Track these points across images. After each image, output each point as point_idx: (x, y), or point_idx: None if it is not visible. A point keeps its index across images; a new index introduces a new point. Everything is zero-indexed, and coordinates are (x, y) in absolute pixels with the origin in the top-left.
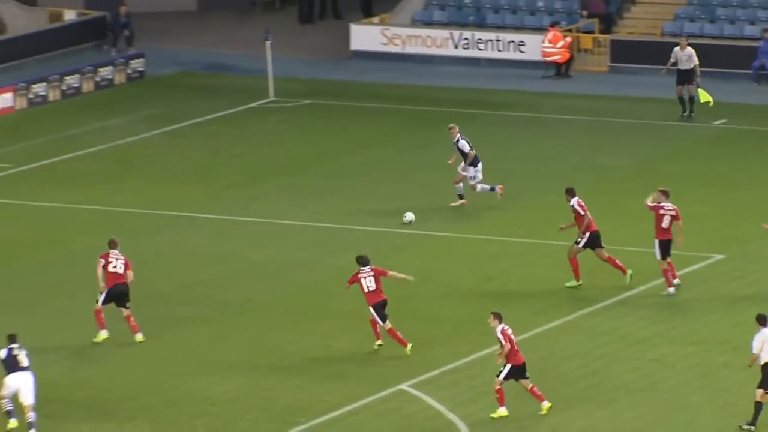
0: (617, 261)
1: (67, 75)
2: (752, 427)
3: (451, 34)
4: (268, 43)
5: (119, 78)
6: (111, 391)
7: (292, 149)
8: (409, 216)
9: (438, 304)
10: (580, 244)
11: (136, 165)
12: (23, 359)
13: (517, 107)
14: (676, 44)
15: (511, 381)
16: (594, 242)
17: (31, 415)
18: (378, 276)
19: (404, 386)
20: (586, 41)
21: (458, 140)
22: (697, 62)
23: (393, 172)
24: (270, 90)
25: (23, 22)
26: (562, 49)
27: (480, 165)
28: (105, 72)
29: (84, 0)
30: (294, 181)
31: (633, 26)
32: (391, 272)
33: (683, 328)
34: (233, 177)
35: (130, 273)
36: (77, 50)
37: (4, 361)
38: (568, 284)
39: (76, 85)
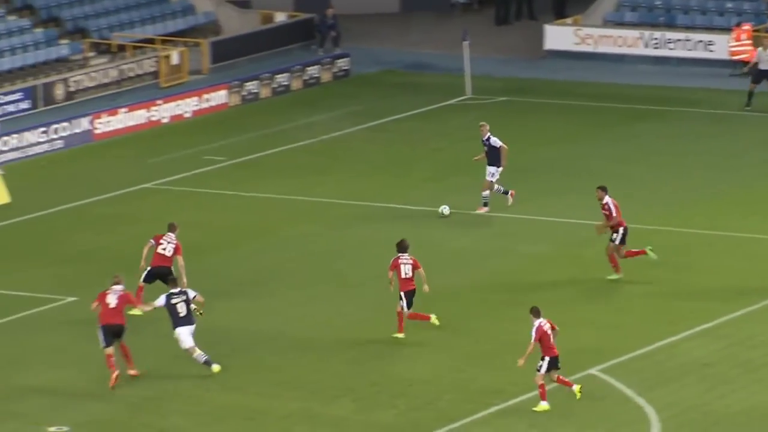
0: (634, 251)
1: (278, 73)
2: None
3: (642, 34)
4: (466, 43)
5: (326, 76)
6: (317, 372)
7: None
8: (446, 210)
9: (626, 293)
10: (617, 241)
11: (339, 158)
12: (182, 308)
13: (705, 104)
14: None
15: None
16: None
17: (199, 354)
18: (414, 267)
19: (594, 371)
20: None
21: (488, 137)
22: None
23: (584, 167)
24: (467, 87)
25: (237, 24)
26: (749, 43)
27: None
28: (313, 71)
29: (294, 2)
30: None
31: None
32: (421, 269)
33: None
34: (431, 170)
35: (180, 258)
36: (287, 50)
37: (164, 307)
38: (609, 277)
39: (285, 83)
